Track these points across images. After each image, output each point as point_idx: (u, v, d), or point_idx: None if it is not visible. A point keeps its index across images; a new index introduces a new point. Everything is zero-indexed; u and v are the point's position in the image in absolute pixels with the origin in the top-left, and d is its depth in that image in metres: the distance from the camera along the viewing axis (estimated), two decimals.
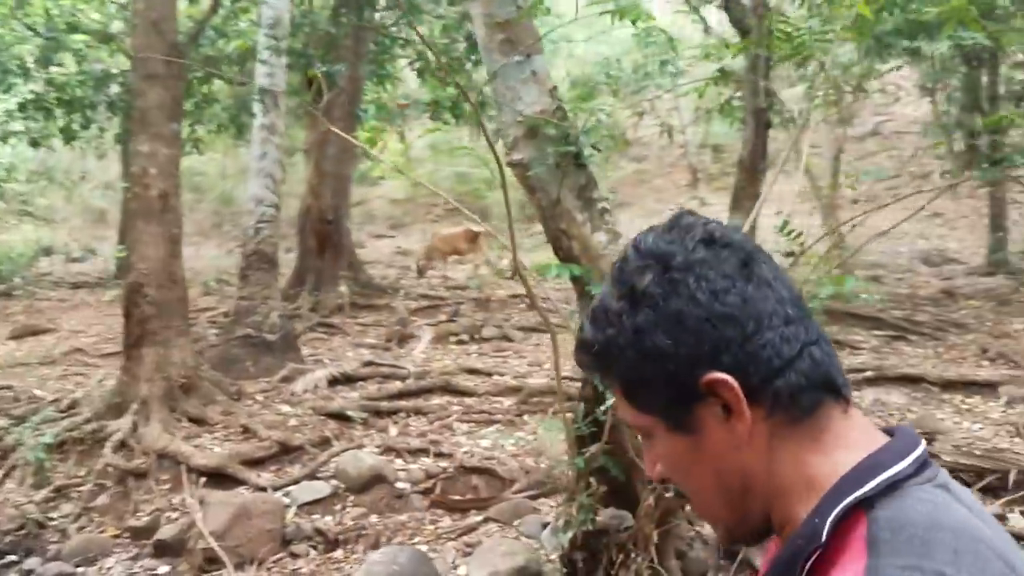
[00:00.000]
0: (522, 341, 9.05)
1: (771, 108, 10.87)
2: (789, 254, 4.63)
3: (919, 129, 22.78)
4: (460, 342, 9.01)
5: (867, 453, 0.75)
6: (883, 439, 0.78)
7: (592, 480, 3.31)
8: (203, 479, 5.01)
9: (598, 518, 3.44)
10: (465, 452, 5.50)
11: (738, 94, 13.56)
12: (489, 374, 7.35)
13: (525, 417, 6.27)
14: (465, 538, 4.49)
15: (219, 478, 5.10)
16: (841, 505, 0.72)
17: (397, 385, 6.98)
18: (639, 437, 0.88)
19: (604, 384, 0.90)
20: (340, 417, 6.10)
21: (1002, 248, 14.40)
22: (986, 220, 18.83)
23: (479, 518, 4.66)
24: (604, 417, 3.19)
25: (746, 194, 10.41)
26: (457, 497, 5.01)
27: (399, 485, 5.15)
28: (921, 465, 0.75)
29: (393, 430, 6.05)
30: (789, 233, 3.33)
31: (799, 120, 12.32)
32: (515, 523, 4.50)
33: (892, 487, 0.72)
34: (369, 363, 7.66)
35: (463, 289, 11.85)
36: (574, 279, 3.28)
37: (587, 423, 3.28)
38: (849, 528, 0.71)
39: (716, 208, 20.29)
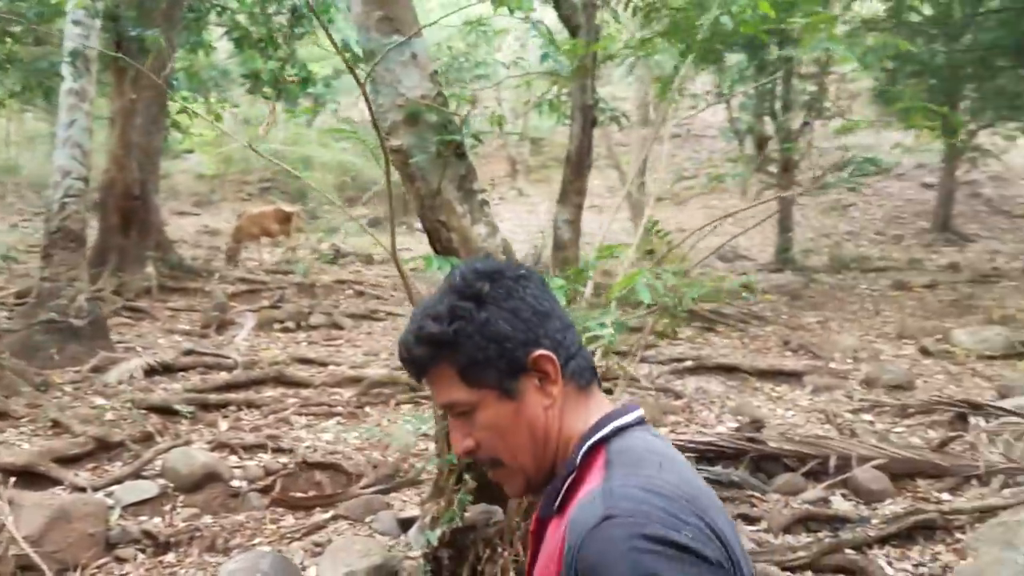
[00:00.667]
0: (353, 329, 8.82)
1: (596, 106, 11.22)
2: (649, 251, 4.80)
3: (715, 133, 24.49)
4: (286, 330, 8.63)
5: (607, 412, 1.10)
6: (615, 406, 1.13)
7: (464, 475, 3.25)
8: (12, 479, 4.44)
9: (467, 514, 3.39)
10: (307, 447, 5.25)
11: (565, 90, 13.94)
12: (324, 364, 7.08)
13: (367, 409, 6.10)
14: (312, 537, 4.28)
15: (30, 478, 4.55)
16: (589, 442, 1.06)
17: (224, 376, 6.56)
18: (450, 418, 1.13)
19: (428, 377, 1.11)
20: (164, 411, 5.64)
21: (789, 247, 15.80)
22: (773, 220, 20.58)
23: (326, 516, 4.46)
24: None
25: (573, 188, 10.69)
26: (300, 494, 4.77)
27: (235, 483, 4.83)
28: (639, 420, 1.09)
29: (224, 424, 5.68)
30: (658, 232, 3.43)
31: (624, 120, 12.81)
32: (367, 520, 4.34)
33: (621, 430, 1.07)
34: (190, 352, 7.15)
35: (285, 274, 11.35)
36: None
37: None
38: (594, 458, 1.05)
39: (534, 199, 20.79)
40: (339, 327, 8.86)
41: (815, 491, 4.37)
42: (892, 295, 10.81)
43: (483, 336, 1.05)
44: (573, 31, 10.74)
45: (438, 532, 3.33)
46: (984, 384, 6.66)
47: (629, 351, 4.73)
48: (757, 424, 5.24)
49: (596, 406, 1.12)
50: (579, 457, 1.06)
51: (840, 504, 4.24)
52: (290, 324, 8.74)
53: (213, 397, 5.99)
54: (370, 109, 2.79)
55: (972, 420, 5.41)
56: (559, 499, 1.06)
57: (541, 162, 21.82)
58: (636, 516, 0.91)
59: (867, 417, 5.84)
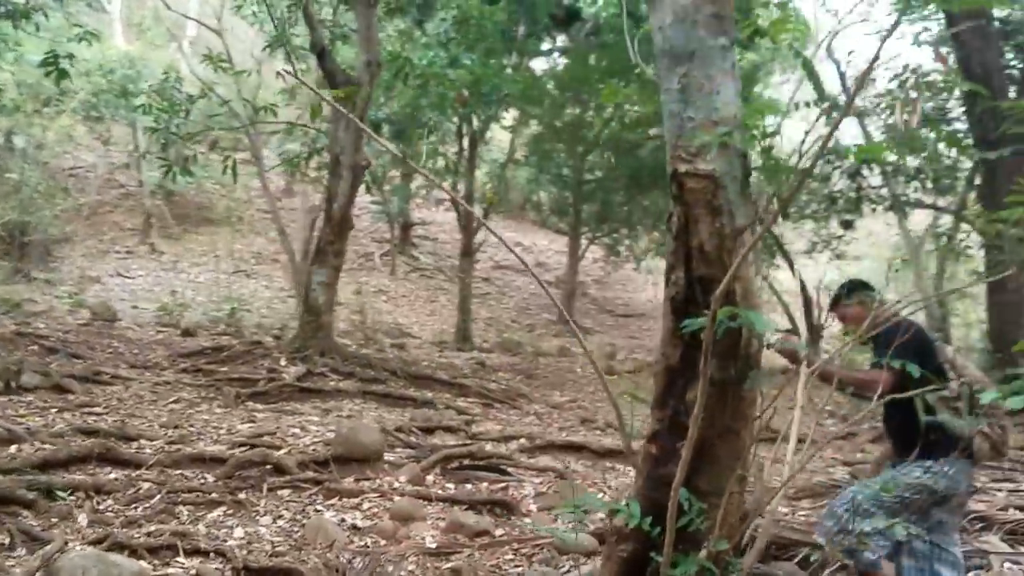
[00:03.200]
0: (87, 394, 6.82)
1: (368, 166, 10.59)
2: None
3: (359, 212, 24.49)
4: None
5: None
6: None
7: None
8: None
9: None
10: (233, 546, 3.85)
11: (318, 144, 12.82)
12: (128, 438, 5.31)
13: (242, 495, 4.71)
14: None
15: None
16: None
17: (27, 451, 4.54)
18: None
19: None
20: None
21: (468, 327, 16.24)
22: (422, 298, 21.13)
23: None
24: None
25: (332, 249, 9.86)
26: None
27: None
28: None
29: (82, 516, 3.90)
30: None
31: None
32: None
33: None
34: None
35: None
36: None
37: None
38: None
39: (167, 256, 18.47)
40: (66, 390, 6.79)
41: None
42: (610, 378, 11.69)
43: None
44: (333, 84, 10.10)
45: None
46: None
47: None
48: None
49: None
50: None
51: None
52: None
53: (44, 479, 4.08)
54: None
55: None
56: None
57: (180, 216, 19.63)
58: None
59: None
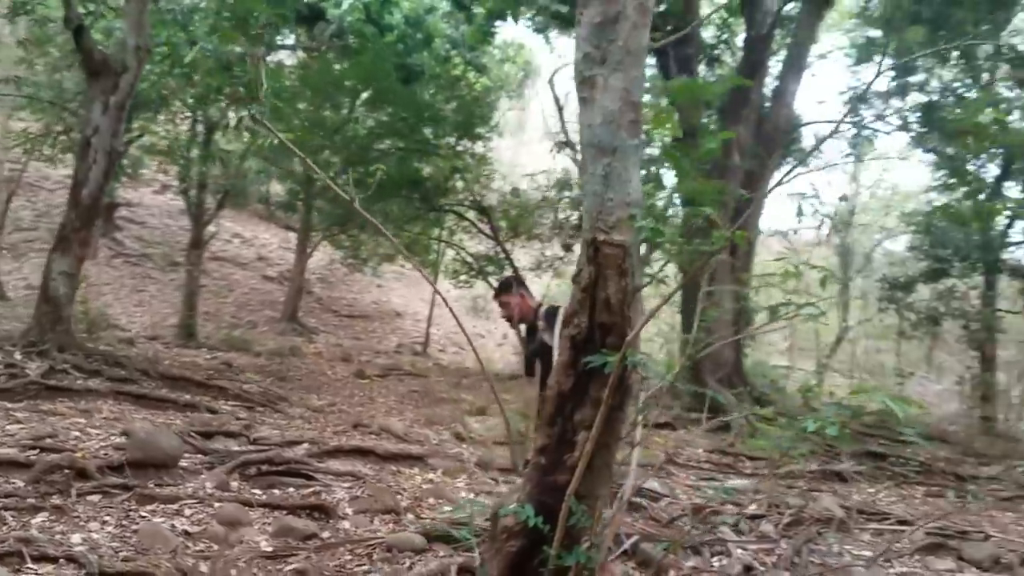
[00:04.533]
0: None
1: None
2: None
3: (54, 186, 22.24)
4: None
5: None
6: None
7: None
8: None
9: None
10: (82, 551, 3.78)
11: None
12: None
13: (55, 500, 4.52)
14: None
15: None
16: None
17: None
18: None
19: None
20: None
21: (193, 324, 15.59)
22: (128, 287, 19.82)
23: None
24: None
25: (78, 237, 9.23)
26: None
27: None
28: None
29: None
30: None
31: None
32: None
33: None
34: None
35: None
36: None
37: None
38: None
39: None
40: None
41: None
42: (362, 382, 12.02)
43: None
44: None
45: None
46: None
47: None
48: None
49: None
50: None
51: None
52: None
53: None
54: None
55: None
56: None
57: None
58: None
59: None
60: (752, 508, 6.85)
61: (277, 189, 22.14)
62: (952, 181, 15.66)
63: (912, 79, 15.06)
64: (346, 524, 5.46)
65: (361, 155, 17.15)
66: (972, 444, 11.15)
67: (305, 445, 7.33)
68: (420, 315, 23.34)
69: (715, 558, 5.55)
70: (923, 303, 15.35)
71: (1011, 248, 14.61)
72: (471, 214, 16.63)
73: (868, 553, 6.06)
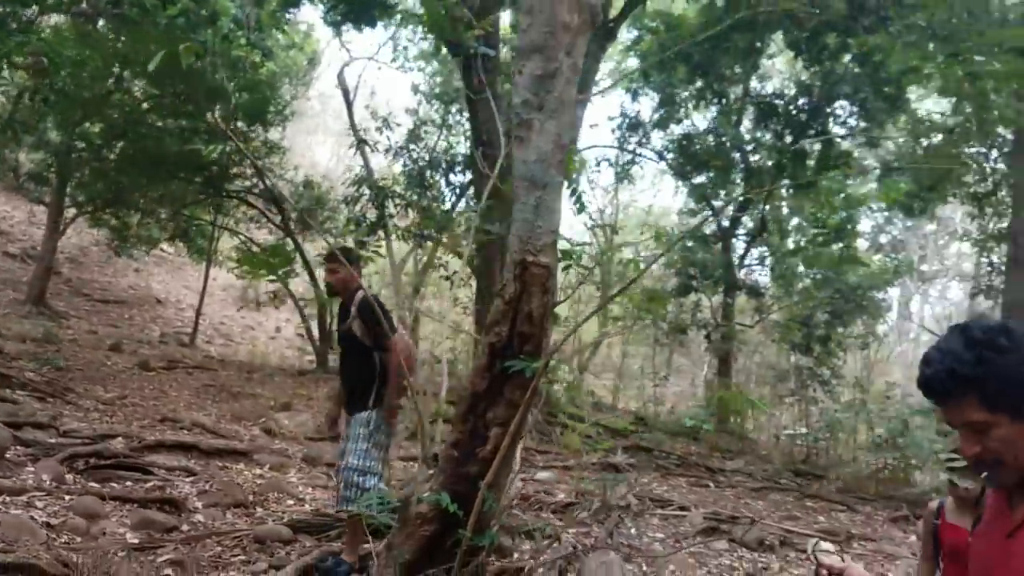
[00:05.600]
0: None
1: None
2: None
3: None
4: None
5: None
6: None
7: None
8: None
9: None
10: None
11: None
12: None
13: None
14: None
15: None
16: None
17: None
18: (960, 431, 1.45)
19: (950, 402, 1.43)
20: None
21: None
22: None
23: None
24: None
25: None
26: None
27: None
28: None
29: None
30: None
31: None
32: None
33: None
34: None
35: None
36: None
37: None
38: None
39: None
40: None
41: None
42: (148, 374, 11.37)
43: (1003, 378, 1.37)
44: None
45: None
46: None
47: None
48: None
49: None
50: None
51: None
52: None
53: None
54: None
55: None
56: None
57: None
58: None
59: None
60: (562, 496, 7.65)
61: (28, 158, 19.96)
62: (700, 207, 17.90)
63: (675, 114, 16.98)
64: (200, 517, 5.47)
65: (134, 129, 16.08)
66: (716, 441, 12.90)
67: (120, 439, 7.06)
68: (183, 303, 22.18)
69: (545, 541, 6.22)
70: (673, 315, 17.34)
71: (746, 269, 17.06)
72: (260, 203, 16.23)
73: (661, 535, 7.06)
